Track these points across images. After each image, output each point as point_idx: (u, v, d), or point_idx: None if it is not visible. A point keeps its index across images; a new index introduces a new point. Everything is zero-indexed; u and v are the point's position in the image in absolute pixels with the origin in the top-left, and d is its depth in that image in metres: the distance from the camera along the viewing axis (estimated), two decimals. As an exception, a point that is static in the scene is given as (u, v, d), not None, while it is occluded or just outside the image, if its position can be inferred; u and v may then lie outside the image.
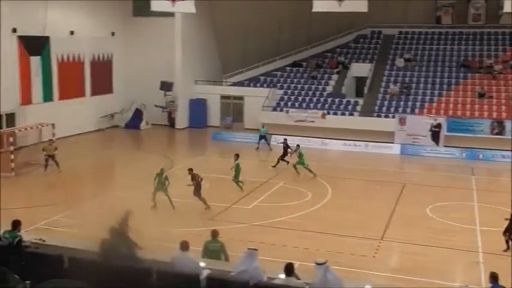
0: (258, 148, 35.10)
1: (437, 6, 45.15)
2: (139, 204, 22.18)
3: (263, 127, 36.48)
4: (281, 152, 30.31)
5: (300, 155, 28.32)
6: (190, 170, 22.65)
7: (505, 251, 17.77)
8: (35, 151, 29.44)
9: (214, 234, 14.31)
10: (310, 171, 27.92)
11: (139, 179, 26.65)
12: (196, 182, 22.18)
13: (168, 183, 22.33)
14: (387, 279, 16.14)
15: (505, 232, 17.95)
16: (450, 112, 36.47)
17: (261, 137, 35.57)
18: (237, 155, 25.32)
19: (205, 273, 10.46)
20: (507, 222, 17.88)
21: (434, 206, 23.27)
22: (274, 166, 29.68)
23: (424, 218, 21.96)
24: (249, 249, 10.55)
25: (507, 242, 17.86)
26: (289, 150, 29.84)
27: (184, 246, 11.14)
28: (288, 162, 29.43)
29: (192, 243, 11.74)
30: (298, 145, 29.69)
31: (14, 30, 32.70)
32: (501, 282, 11.47)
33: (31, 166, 28.29)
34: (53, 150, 27.86)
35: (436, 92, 38.72)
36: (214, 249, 13.90)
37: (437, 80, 39.86)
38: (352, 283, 11.78)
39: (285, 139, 30.96)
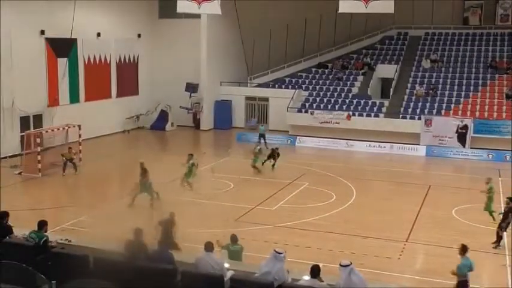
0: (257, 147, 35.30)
1: (464, 7, 44.73)
2: (165, 205, 22.37)
3: (262, 126, 36.78)
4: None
5: (257, 155, 28.68)
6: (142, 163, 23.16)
7: (494, 243, 18.62)
8: (62, 152, 29.79)
9: (234, 239, 14.38)
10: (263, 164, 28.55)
11: (164, 180, 26.80)
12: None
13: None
14: (412, 281, 16.04)
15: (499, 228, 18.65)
16: (477, 113, 36.08)
17: (261, 136, 35.83)
18: (191, 155, 25.16)
19: (229, 274, 10.50)
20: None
21: (460, 208, 23.05)
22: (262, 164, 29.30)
23: (450, 219, 21.77)
24: (275, 250, 10.56)
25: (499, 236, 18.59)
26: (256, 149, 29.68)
27: (209, 247, 11.17)
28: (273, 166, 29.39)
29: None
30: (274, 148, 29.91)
31: (42, 32, 33.11)
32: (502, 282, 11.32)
33: (57, 167, 28.59)
34: (72, 155, 28.20)
35: (463, 93, 38.34)
36: (235, 250, 13.96)
37: (464, 81, 39.46)
38: (377, 285, 11.73)
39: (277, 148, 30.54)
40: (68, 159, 27.92)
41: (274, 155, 29.55)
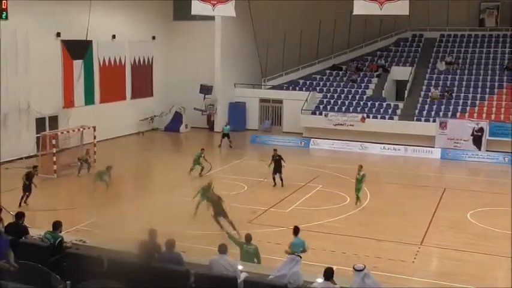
0: (220, 146, 36.16)
1: (480, 9, 44.46)
2: (178, 207, 22.45)
3: (226, 125, 37.07)
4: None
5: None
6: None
7: None
8: (77, 153, 29.99)
9: (248, 238, 14.37)
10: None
11: (179, 182, 26.90)
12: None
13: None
14: (426, 285, 15.95)
15: None
16: (493, 116, 35.80)
17: (224, 135, 36.25)
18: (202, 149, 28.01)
19: (243, 276, 10.50)
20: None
21: (476, 212, 22.88)
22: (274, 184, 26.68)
23: (465, 223, 21.62)
24: (293, 253, 10.59)
25: None
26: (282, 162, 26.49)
27: (223, 249, 11.18)
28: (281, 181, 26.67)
29: (231, 246, 11.78)
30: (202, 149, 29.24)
31: (58, 35, 33.33)
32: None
33: (73, 168, 28.77)
34: (87, 156, 28.55)
35: (479, 95, 38.08)
36: (248, 252, 13.94)
37: (480, 83, 39.20)
38: (391, 289, 11.69)
39: (275, 149, 27.80)
40: (83, 160, 28.15)
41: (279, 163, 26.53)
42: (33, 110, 31.72)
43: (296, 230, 15.26)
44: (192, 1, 26.59)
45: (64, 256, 11.15)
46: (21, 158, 30.28)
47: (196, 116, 41.36)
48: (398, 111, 38.23)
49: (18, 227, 12.46)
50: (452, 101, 38.07)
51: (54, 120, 33.38)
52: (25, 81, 31.05)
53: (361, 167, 23.95)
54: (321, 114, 38.81)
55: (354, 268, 9.86)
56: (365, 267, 9.82)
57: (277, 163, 26.32)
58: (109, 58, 37.97)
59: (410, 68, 41.71)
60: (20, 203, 22.07)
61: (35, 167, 23.95)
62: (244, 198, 24.41)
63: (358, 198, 23.52)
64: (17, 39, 30.34)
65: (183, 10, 35.28)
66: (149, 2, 40.02)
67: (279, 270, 10.38)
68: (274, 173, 26.29)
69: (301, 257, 10.66)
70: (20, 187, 22.68)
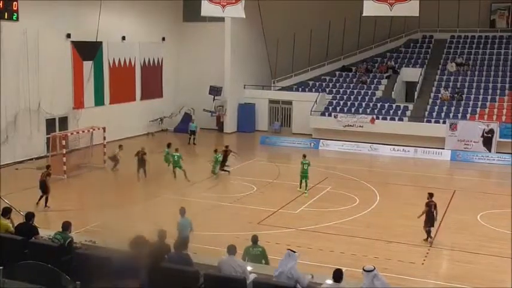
0: (189, 143, 37.09)
1: (491, 10, 44.26)
2: (188, 208, 22.46)
3: (193, 123, 38.16)
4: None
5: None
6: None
7: (425, 240, 19.40)
8: (87, 154, 30.09)
9: (255, 239, 14.28)
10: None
11: (188, 183, 26.90)
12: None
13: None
14: (436, 286, 15.88)
15: (424, 225, 19.45)
16: (503, 118, 35.64)
17: (191, 132, 37.46)
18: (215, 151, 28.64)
19: (252, 277, 10.51)
20: (423, 216, 19.55)
21: (486, 213, 22.78)
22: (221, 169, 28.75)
23: (475, 225, 21.53)
24: (288, 249, 10.61)
25: (428, 232, 19.48)
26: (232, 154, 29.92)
27: (232, 250, 11.18)
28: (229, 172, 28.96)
29: (240, 247, 11.78)
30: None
31: (68, 36, 33.46)
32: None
33: (83, 169, 28.86)
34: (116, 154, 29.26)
35: (489, 97, 37.94)
36: (255, 254, 13.88)
37: (490, 84, 39.05)
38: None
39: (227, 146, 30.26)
40: (112, 157, 29.23)
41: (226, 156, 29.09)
42: (44, 110, 31.87)
43: (182, 210, 16.14)
44: (202, 2, 26.64)
45: (74, 256, 11.18)
46: (31, 159, 30.43)
47: (205, 117, 41.40)
48: (408, 113, 38.13)
49: (28, 228, 12.51)
50: (463, 102, 37.93)
51: (64, 121, 33.50)
52: (35, 82, 31.18)
53: (304, 156, 26.12)
54: (330, 115, 38.76)
55: (363, 269, 9.84)
56: (375, 268, 9.79)
57: (225, 159, 28.88)
58: (119, 59, 38.06)
59: (420, 69, 41.60)
60: (46, 203, 22.37)
61: (48, 166, 24.04)
62: (254, 200, 24.41)
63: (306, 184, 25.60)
64: (27, 40, 30.47)
65: (193, 11, 35.31)
66: (159, 3, 40.13)
67: (276, 270, 10.43)
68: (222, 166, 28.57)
69: (295, 252, 10.61)
70: (31, 188, 22.79)
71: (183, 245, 11.57)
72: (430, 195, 19.86)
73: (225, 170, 28.73)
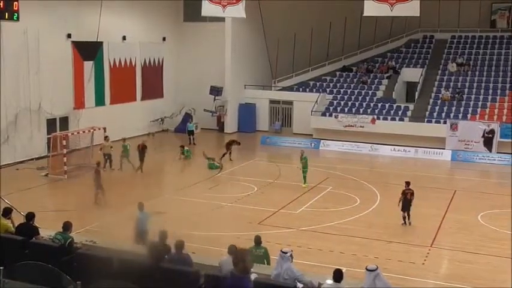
0: (190, 143, 37.06)
1: (492, 10, 44.25)
2: (189, 208, 22.49)
3: (190, 123, 38.73)
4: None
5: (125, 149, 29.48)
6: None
7: (402, 224, 21.09)
8: (87, 154, 30.08)
9: (258, 240, 14.26)
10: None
11: (188, 183, 26.92)
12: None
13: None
14: (436, 286, 15.88)
15: (402, 209, 21.13)
16: (504, 118, 35.62)
17: (190, 133, 37.77)
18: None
19: (252, 277, 10.49)
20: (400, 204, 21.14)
21: (486, 213, 22.77)
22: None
23: (475, 225, 21.51)
24: (281, 251, 10.62)
25: (404, 218, 21.13)
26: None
27: (232, 250, 11.17)
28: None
29: (240, 247, 11.75)
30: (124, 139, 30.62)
31: (69, 36, 33.48)
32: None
33: (83, 169, 28.87)
34: (109, 148, 29.22)
35: (490, 97, 37.93)
36: (258, 255, 13.87)
37: (491, 84, 39.03)
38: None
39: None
40: (107, 153, 29.29)
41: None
42: (44, 110, 31.89)
43: (141, 206, 16.63)
44: (203, 2, 26.66)
45: (74, 257, 11.18)
46: (32, 159, 30.47)
47: (206, 117, 41.40)
48: (409, 113, 38.12)
49: (29, 228, 12.50)
50: (463, 102, 37.92)
51: (64, 121, 33.52)
52: (36, 82, 31.22)
53: (302, 152, 27.34)
54: (331, 115, 38.76)
55: (366, 268, 9.82)
56: (377, 268, 9.78)
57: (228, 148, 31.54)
58: (119, 59, 38.08)
59: (421, 69, 41.59)
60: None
61: (98, 163, 24.85)
62: (255, 200, 24.42)
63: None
64: (28, 40, 30.50)
65: (194, 11, 35.32)
66: (160, 3, 40.16)
67: (273, 271, 10.42)
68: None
69: (286, 252, 10.61)
70: (32, 188, 22.81)
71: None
72: (407, 183, 21.41)
73: (218, 165, 29.79)
